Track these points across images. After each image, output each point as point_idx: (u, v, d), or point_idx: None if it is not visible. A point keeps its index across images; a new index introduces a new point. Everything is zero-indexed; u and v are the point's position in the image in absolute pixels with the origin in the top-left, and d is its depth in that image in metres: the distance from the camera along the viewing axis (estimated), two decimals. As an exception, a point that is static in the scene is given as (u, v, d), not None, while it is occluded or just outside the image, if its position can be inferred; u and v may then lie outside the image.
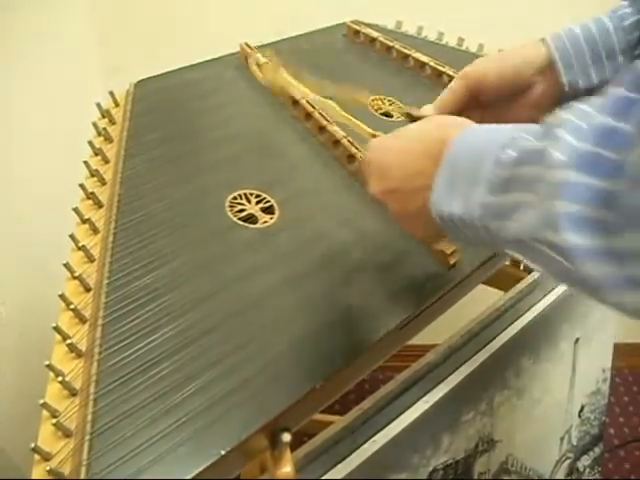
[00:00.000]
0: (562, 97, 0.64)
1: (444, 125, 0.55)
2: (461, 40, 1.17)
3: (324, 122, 0.87)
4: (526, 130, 0.45)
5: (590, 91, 0.63)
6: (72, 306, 0.62)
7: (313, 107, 0.89)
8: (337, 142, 0.85)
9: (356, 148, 0.83)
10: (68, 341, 0.59)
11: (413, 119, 0.65)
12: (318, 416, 0.65)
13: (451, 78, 1.02)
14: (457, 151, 0.50)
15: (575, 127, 0.40)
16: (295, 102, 0.92)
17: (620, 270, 0.37)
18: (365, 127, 0.70)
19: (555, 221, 0.38)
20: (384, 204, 0.59)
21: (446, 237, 0.58)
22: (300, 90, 0.80)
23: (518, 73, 0.63)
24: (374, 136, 0.68)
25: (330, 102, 0.73)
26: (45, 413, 0.54)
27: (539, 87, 0.64)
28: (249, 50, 1.04)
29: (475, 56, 1.14)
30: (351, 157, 0.83)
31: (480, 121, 0.67)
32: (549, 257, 0.40)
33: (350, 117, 0.72)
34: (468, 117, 0.67)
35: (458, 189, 0.49)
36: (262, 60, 0.93)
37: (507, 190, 0.44)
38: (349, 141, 0.84)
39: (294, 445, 0.60)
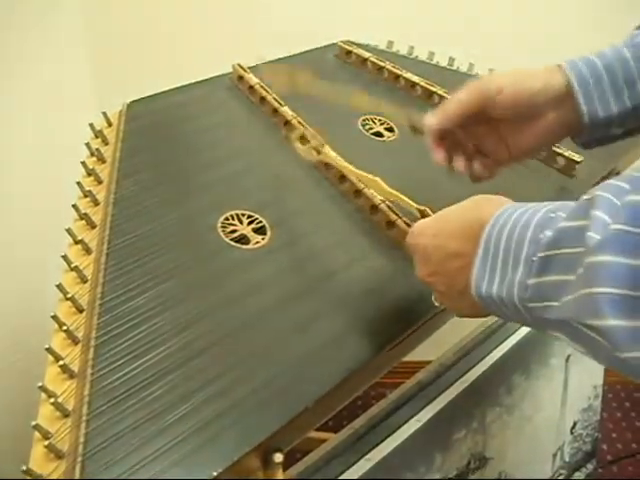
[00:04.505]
0: (581, 127, 0.62)
1: (480, 205, 0.55)
2: (452, 60, 1.19)
3: (349, 173, 0.88)
4: (562, 208, 0.45)
5: (609, 122, 0.62)
6: (65, 327, 0.62)
7: (306, 129, 0.90)
8: (329, 163, 0.86)
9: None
10: (61, 362, 0.59)
11: (417, 131, 0.67)
12: (310, 433, 0.65)
13: (441, 97, 1.04)
14: (494, 231, 0.50)
15: (609, 204, 0.39)
16: (287, 122, 0.93)
17: None
18: (411, 202, 0.69)
19: (596, 306, 0.38)
20: (431, 287, 0.60)
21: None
22: (343, 166, 0.78)
23: (534, 98, 0.62)
24: (420, 210, 0.68)
25: (376, 179, 0.72)
26: (37, 434, 0.54)
27: (552, 115, 0.63)
28: (242, 71, 1.05)
29: (466, 76, 1.16)
30: (342, 177, 0.84)
31: (484, 139, 0.67)
32: (594, 341, 0.39)
33: (396, 193, 0.71)
34: (474, 131, 0.67)
35: (497, 270, 0.49)
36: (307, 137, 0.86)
37: (546, 271, 0.44)
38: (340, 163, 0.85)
39: (286, 461, 0.60)
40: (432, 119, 0.66)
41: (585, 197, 0.43)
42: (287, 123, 0.93)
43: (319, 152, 0.78)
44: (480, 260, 0.50)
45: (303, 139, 0.83)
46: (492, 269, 0.49)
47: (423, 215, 0.67)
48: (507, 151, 0.67)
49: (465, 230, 0.53)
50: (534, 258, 0.45)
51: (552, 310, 0.44)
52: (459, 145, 0.69)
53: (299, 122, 0.91)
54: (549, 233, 0.44)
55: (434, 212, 0.62)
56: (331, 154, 0.78)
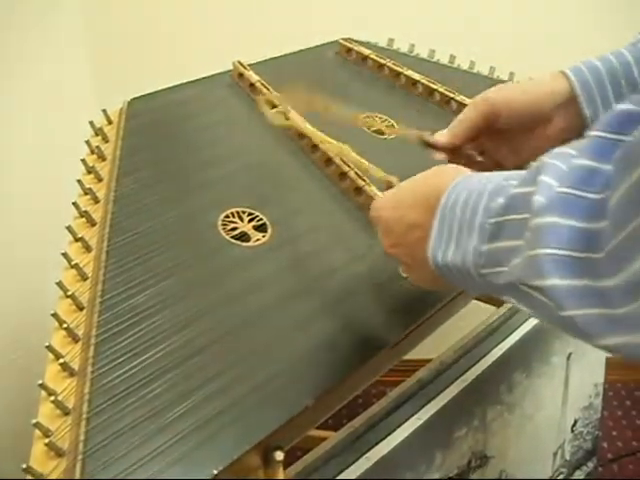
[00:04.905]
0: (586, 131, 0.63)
1: (438, 175, 0.55)
2: (452, 57, 1.19)
3: (317, 140, 0.88)
4: (514, 176, 0.46)
5: None
6: (65, 325, 0.62)
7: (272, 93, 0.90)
8: (329, 160, 0.86)
9: (348, 166, 0.84)
10: (61, 360, 0.59)
11: (428, 145, 0.66)
12: (311, 431, 0.65)
13: (442, 95, 1.04)
14: (449, 200, 0.50)
15: (556, 170, 0.40)
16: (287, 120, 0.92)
17: (608, 312, 0.36)
18: (379, 171, 0.70)
19: (539, 266, 0.38)
20: (396, 259, 0.60)
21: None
22: (311, 132, 0.79)
23: (540, 105, 0.63)
24: (387, 180, 0.68)
25: (344, 146, 0.73)
26: (37, 432, 0.54)
27: (559, 120, 0.64)
28: (242, 68, 1.04)
29: (467, 74, 1.16)
30: (343, 175, 0.84)
31: (496, 149, 0.67)
32: (539, 301, 0.40)
33: (364, 161, 0.71)
34: (484, 144, 0.67)
35: (453, 238, 0.49)
36: (275, 102, 0.89)
37: (497, 237, 0.45)
38: (341, 159, 0.84)
39: (286, 459, 0.60)
40: (442, 138, 0.66)
41: (535, 163, 0.43)
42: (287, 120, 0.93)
43: (287, 117, 0.79)
44: (436, 229, 0.51)
45: (271, 104, 0.84)
46: (448, 237, 0.50)
47: (389, 186, 0.67)
48: (519, 156, 0.67)
49: (424, 201, 0.54)
50: (486, 225, 0.46)
51: (501, 275, 0.44)
52: (471, 156, 0.69)
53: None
54: (501, 200, 0.45)
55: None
56: (298, 118, 0.79)
